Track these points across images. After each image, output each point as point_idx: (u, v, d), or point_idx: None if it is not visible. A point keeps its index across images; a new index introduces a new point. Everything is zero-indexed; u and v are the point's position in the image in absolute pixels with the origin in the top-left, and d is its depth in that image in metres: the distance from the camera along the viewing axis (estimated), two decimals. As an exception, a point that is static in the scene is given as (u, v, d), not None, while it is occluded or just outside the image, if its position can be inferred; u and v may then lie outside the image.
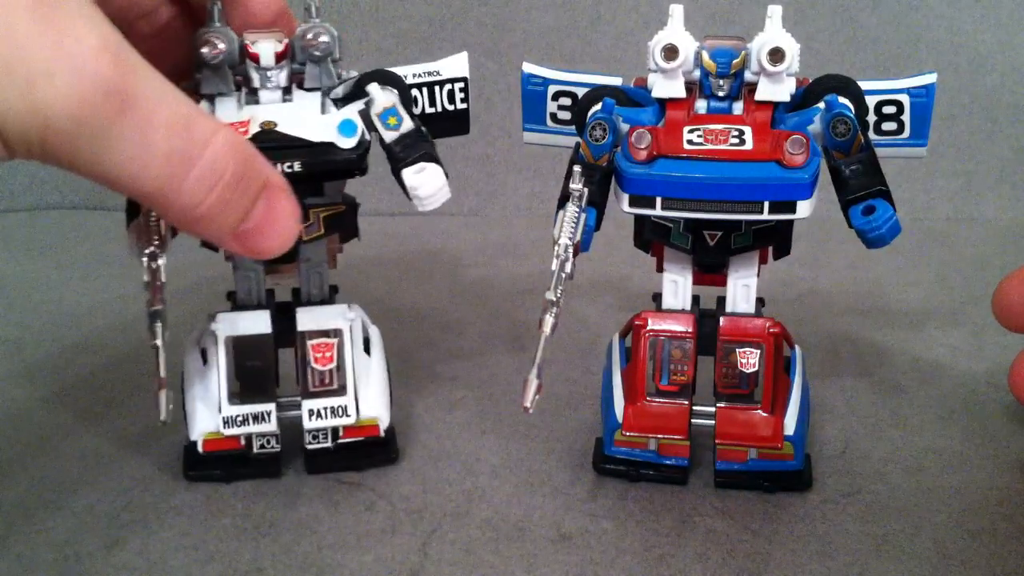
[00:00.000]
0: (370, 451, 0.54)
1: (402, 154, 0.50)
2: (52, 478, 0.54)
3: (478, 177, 1.13)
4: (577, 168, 0.48)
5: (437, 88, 0.54)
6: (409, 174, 0.50)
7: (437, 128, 0.53)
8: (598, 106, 0.51)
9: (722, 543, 0.48)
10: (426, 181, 0.50)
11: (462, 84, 0.54)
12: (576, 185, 0.47)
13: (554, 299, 0.46)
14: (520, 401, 0.45)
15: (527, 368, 0.46)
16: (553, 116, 0.56)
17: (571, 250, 0.47)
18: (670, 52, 0.50)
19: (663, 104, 0.51)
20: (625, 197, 0.49)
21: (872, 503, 0.51)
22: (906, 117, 0.52)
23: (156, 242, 0.45)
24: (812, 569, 0.46)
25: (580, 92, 0.53)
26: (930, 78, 0.52)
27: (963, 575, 0.46)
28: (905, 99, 0.52)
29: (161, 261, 0.45)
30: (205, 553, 0.48)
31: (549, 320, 0.46)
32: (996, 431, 0.58)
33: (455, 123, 0.55)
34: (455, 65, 0.54)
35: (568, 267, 0.46)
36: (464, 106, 0.55)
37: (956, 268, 0.86)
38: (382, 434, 0.54)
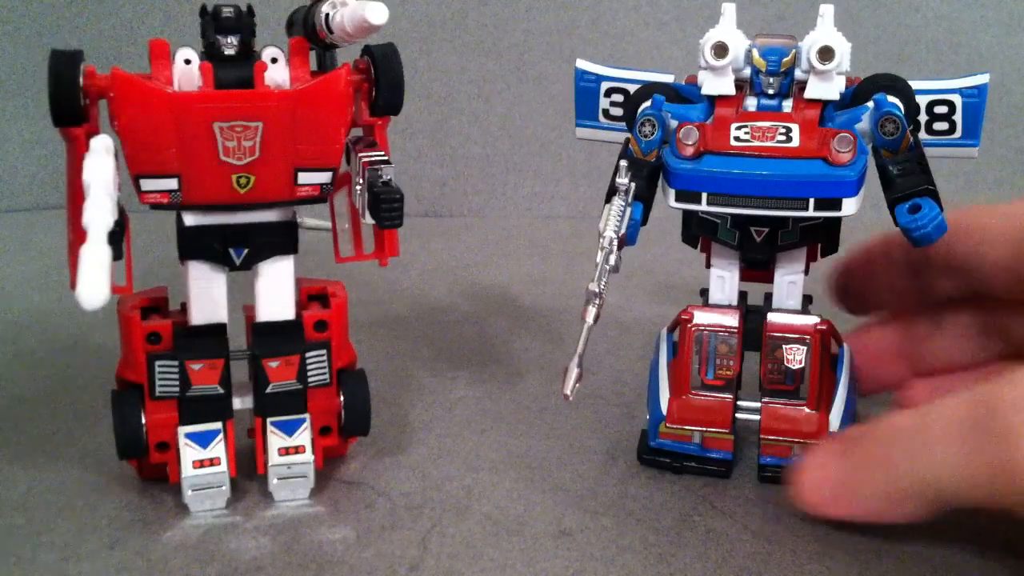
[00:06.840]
0: None
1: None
2: (52, 478, 0.54)
3: (478, 177, 1.13)
4: (623, 163, 0.48)
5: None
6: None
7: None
8: (648, 103, 0.52)
9: (722, 543, 0.48)
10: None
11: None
12: (622, 180, 0.48)
13: (597, 290, 0.47)
14: (560, 389, 0.46)
15: (566, 357, 0.46)
16: (605, 112, 0.56)
17: (615, 243, 0.47)
18: (719, 49, 0.50)
19: (712, 101, 0.51)
20: (672, 192, 0.49)
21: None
22: (958, 117, 0.52)
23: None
24: (812, 569, 0.46)
25: (631, 88, 0.54)
26: (983, 79, 0.52)
27: (963, 575, 0.46)
28: (957, 99, 0.52)
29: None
30: (205, 552, 0.48)
31: (592, 311, 0.46)
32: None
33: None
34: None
35: (612, 259, 0.47)
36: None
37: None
38: None
